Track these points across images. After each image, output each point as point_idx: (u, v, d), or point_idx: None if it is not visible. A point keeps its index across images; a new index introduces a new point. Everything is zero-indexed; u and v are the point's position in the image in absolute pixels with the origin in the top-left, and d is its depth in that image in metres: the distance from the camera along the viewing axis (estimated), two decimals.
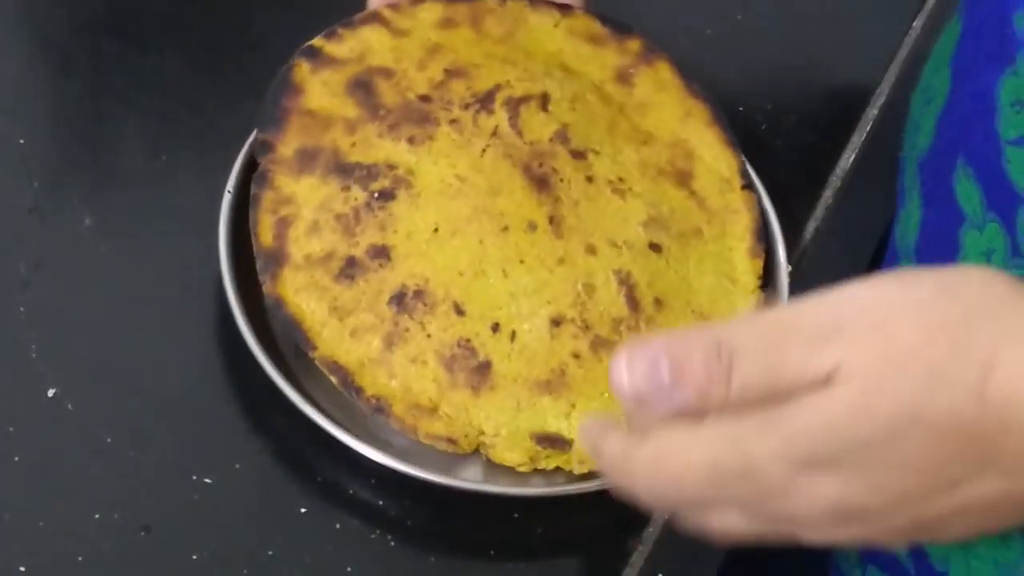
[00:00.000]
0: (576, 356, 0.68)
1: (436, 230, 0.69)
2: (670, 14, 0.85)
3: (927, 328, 0.49)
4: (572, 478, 0.67)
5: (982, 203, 0.60)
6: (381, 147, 0.71)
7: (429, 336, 0.67)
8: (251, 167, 0.71)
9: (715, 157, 0.75)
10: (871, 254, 0.87)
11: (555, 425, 0.67)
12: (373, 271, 0.68)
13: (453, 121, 0.72)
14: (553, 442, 0.67)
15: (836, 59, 0.84)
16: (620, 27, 0.78)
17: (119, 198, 0.75)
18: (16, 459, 0.66)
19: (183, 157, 0.75)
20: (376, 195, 0.70)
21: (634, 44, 0.78)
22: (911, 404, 0.48)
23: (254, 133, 0.72)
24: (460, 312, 0.68)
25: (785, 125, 0.83)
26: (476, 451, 0.67)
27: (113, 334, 0.70)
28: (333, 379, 0.66)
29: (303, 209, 0.69)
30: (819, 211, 0.80)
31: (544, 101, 0.73)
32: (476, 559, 0.67)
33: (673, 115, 0.76)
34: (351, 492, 0.67)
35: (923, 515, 0.51)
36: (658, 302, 0.70)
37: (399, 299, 0.68)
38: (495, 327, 0.68)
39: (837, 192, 0.81)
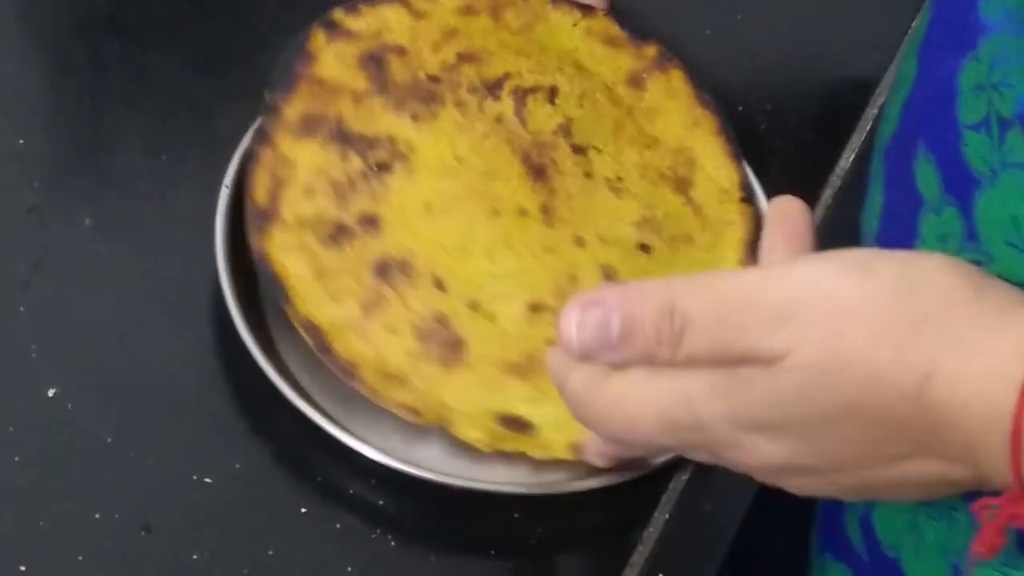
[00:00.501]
0: (551, 343, 0.67)
1: (428, 206, 0.70)
2: (670, 14, 0.85)
3: (875, 329, 0.51)
4: (572, 477, 0.67)
5: (940, 187, 0.61)
6: (384, 120, 0.72)
7: (407, 307, 0.68)
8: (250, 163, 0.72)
9: (717, 167, 0.76)
10: None
11: (521, 409, 0.67)
12: (360, 238, 0.70)
13: (459, 103, 0.73)
14: (517, 425, 0.67)
15: (836, 59, 0.84)
16: (639, 32, 0.79)
17: (119, 198, 0.75)
18: (16, 459, 0.65)
19: (183, 157, 0.75)
20: (373, 166, 0.71)
21: (651, 50, 0.79)
22: (849, 399, 0.51)
23: (256, 121, 0.72)
24: (441, 287, 0.69)
25: (785, 125, 0.83)
26: (439, 427, 0.67)
27: (113, 334, 0.70)
28: (307, 338, 0.67)
29: (300, 172, 0.71)
30: (819, 211, 0.80)
31: (552, 94, 0.74)
32: (476, 559, 0.67)
33: (681, 122, 0.77)
34: (351, 492, 0.67)
35: (867, 479, 0.54)
36: None
37: (382, 268, 0.69)
38: (473, 306, 0.69)
39: (837, 192, 0.81)
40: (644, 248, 0.72)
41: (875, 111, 0.83)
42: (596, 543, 0.69)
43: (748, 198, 0.76)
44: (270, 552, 0.65)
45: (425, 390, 0.67)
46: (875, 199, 0.68)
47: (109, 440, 0.67)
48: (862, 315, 0.51)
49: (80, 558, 0.63)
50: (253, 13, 0.82)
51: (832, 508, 0.71)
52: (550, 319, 0.69)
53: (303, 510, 0.66)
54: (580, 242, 0.71)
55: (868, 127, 0.83)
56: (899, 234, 0.64)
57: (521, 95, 0.74)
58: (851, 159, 0.82)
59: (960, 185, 0.59)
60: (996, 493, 0.52)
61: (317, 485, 0.67)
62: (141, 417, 0.67)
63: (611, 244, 0.71)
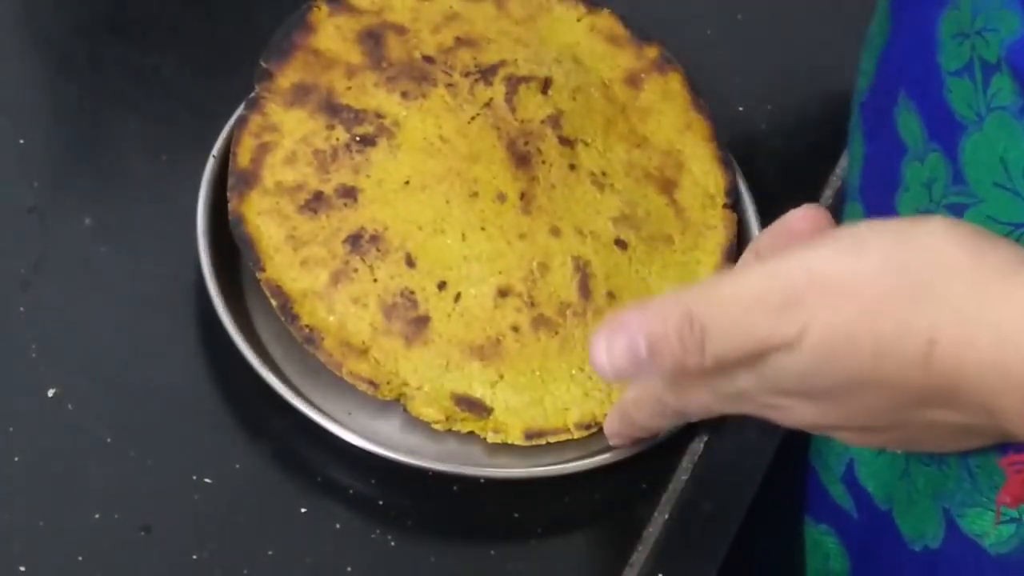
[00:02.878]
0: (515, 329, 0.69)
1: (407, 182, 0.71)
2: (671, 14, 0.85)
3: (872, 304, 0.53)
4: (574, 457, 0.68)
5: (923, 134, 0.62)
6: (374, 96, 0.73)
7: (375, 280, 0.69)
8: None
9: (705, 172, 0.76)
10: None
11: (479, 391, 0.68)
12: (337, 209, 0.70)
13: (450, 85, 0.73)
14: (472, 406, 0.68)
15: (836, 59, 0.84)
16: (642, 32, 0.79)
17: (119, 198, 0.75)
18: (16, 459, 0.66)
19: (183, 157, 0.75)
20: (358, 138, 0.72)
21: (652, 51, 0.79)
22: (862, 370, 0.54)
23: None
24: (411, 264, 0.69)
25: (785, 125, 0.83)
26: (397, 402, 0.68)
27: (113, 334, 0.70)
28: (273, 302, 0.68)
29: (285, 139, 0.72)
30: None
31: (545, 85, 0.74)
32: (476, 558, 0.67)
33: (673, 125, 0.77)
34: (351, 492, 0.67)
35: (901, 431, 0.57)
36: (611, 295, 0.71)
37: (355, 240, 0.70)
38: (441, 285, 0.69)
39: (837, 192, 0.81)
40: (620, 244, 0.72)
41: None
42: (596, 543, 0.69)
43: (733, 204, 0.76)
44: (270, 552, 0.65)
45: (386, 365, 0.68)
46: (856, 152, 0.69)
47: (109, 440, 0.67)
48: (858, 292, 0.53)
49: (80, 558, 0.64)
50: (253, 13, 0.82)
51: (813, 475, 0.72)
52: (517, 305, 0.69)
53: (303, 510, 0.66)
54: (556, 232, 0.71)
55: None
56: (882, 183, 0.66)
57: (514, 83, 0.74)
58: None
59: (945, 130, 0.60)
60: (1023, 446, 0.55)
61: (317, 485, 0.67)
62: (141, 417, 0.67)
63: (587, 237, 0.72)
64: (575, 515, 0.69)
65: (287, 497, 0.67)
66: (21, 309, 0.70)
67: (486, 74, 0.74)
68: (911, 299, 0.53)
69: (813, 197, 0.80)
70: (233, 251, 0.70)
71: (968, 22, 0.58)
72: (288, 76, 0.73)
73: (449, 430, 0.68)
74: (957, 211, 0.60)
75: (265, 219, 0.70)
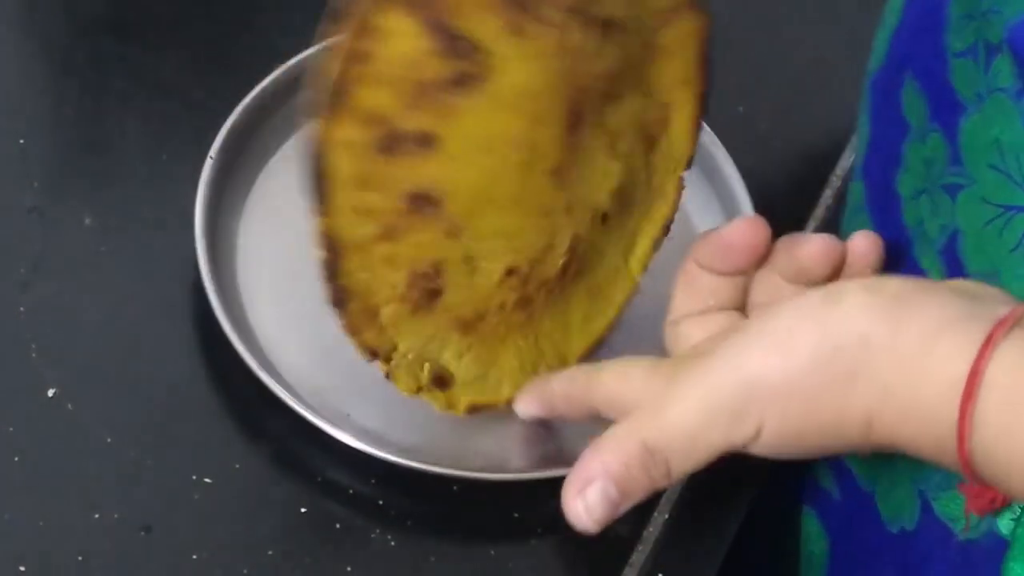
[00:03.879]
0: (501, 307, 0.66)
1: (486, 141, 0.61)
2: None
3: (810, 402, 0.56)
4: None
5: (926, 114, 0.62)
6: (482, 21, 0.59)
7: (417, 245, 0.63)
8: (238, 134, 0.72)
9: (680, 135, 0.69)
10: None
11: (451, 364, 0.67)
12: (408, 156, 0.60)
13: (553, 25, 0.60)
14: (440, 380, 0.67)
15: (837, 59, 0.84)
16: None
17: (119, 198, 0.75)
18: (16, 459, 0.66)
19: (183, 157, 0.75)
20: (456, 77, 0.59)
21: None
22: (813, 452, 0.58)
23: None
24: (452, 235, 0.63)
25: (785, 125, 0.83)
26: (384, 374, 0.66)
27: (113, 334, 0.70)
28: (320, 253, 0.62)
29: (383, 51, 0.59)
30: (819, 211, 0.80)
31: (607, 26, 0.63)
32: (476, 558, 0.67)
33: (676, 75, 0.68)
34: (351, 492, 0.67)
35: None
36: (577, 273, 0.68)
37: (416, 198, 0.61)
38: (467, 259, 0.64)
39: (837, 192, 0.81)
40: (604, 219, 0.68)
41: None
42: (596, 543, 0.69)
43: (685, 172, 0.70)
44: (270, 552, 0.65)
45: (388, 331, 0.65)
46: (862, 132, 0.69)
47: (109, 440, 0.67)
48: (795, 392, 0.56)
49: (80, 558, 0.64)
50: (254, 13, 0.82)
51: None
52: (514, 283, 0.65)
53: (303, 510, 0.66)
54: (569, 210, 0.65)
55: None
56: (884, 163, 0.66)
57: (591, 25, 0.62)
58: (851, 159, 0.82)
59: (946, 111, 0.61)
60: None
61: (317, 485, 0.67)
62: (141, 417, 0.67)
63: (587, 213, 0.66)
64: None
65: (287, 497, 0.67)
66: (21, 309, 0.70)
67: (580, 14, 0.61)
68: (844, 387, 0.55)
69: (813, 197, 0.80)
70: (231, 251, 0.70)
71: (977, 2, 0.58)
72: None
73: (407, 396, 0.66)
74: (952, 191, 0.60)
75: (339, 152, 0.60)
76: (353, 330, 0.64)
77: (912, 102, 0.64)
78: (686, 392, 0.58)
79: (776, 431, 0.56)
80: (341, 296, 0.63)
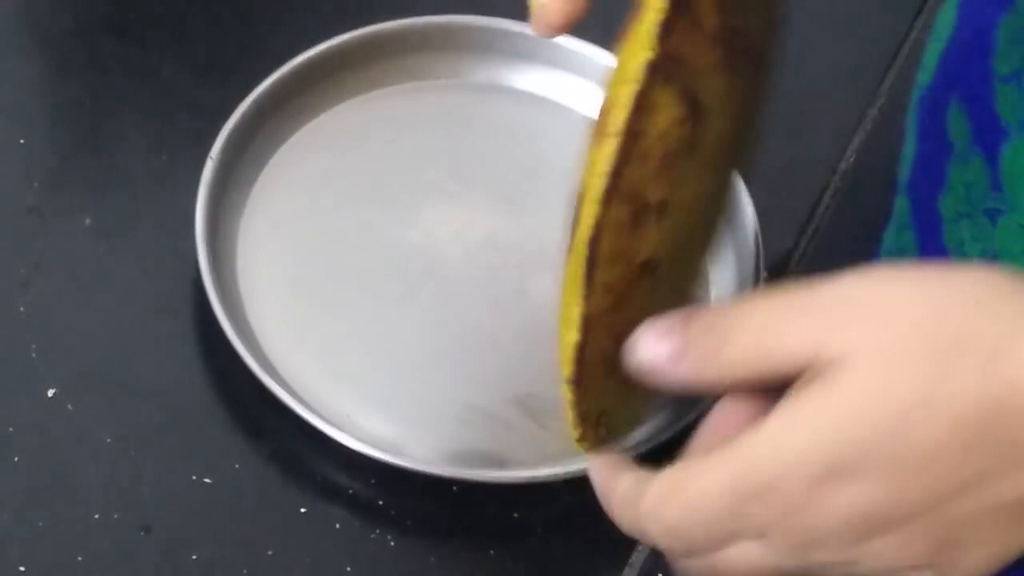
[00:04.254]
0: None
1: (694, 198, 0.58)
2: None
3: (935, 313, 0.48)
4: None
5: (970, 137, 0.61)
6: (714, 83, 0.55)
7: (634, 311, 0.57)
8: (239, 135, 0.72)
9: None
10: (871, 255, 0.87)
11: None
12: (648, 226, 0.56)
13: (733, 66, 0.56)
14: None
15: (836, 59, 0.84)
16: None
17: (119, 198, 0.75)
18: (16, 459, 0.66)
19: (183, 157, 0.75)
20: (692, 141, 0.55)
21: None
22: (922, 388, 0.47)
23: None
24: (657, 292, 0.58)
25: (785, 125, 0.83)
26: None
27: (113, 334, 0.70)
28: (577, 336, 0.56)
29: (652, 125, 0.54)
30: (819, 211, 0.80)
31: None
32: (476, 558, 0.67)
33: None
34: (351, 492, 0.67)
35: (951, 519, 0.49)
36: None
37: (646, 265, 0.57)
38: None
39: (837, 193, 0.81)
40: None
41: (875, 111, 0.83)
42: (596, 543, 0.69)
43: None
44: (270, 552, 0.65)
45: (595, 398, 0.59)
46: (909, 149, 0.68)
47: (109, 440, 0.67)
48: (917, 301, 0.48)
49: (80, 558, 0.64)
50: (254, 13, 0.82)
51: None
52: None
53: (303, 510, 0.66)
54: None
55: (868, 128, 0.83)
56: (928, 183, 0.65)
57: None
58: (851, 159, 0.82)
59: (988, 135, 0.59)
60: None
61: (317, 485, 0.67)
62: (141, 417, 0.67)
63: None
64: (575, 515, 0.69)
65: (287, 497, 0.67)
66: (21, 309, 0.70)
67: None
68: (974, 311, 0.48)
69: (813, 197, 0.80)
70: (232, 251, 0.70)
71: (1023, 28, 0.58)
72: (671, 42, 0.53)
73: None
74: (993, 216, 0.59)
75: (608, 233, 0.55)
76: (579, 403, 0.58)
77: (957, 124, 0.62)
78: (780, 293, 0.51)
79: (877, 349, 0.48)
80: (581, 374, 0.57)
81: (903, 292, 0.49)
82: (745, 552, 0.51)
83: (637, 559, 0.68)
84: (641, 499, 0.53)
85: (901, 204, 0.70)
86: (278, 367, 0.69)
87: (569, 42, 0.80)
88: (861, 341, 0.48)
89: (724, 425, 0.53)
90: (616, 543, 0.68)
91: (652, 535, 0.53)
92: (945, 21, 0.67)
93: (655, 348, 0.53)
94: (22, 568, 0.63)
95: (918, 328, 0.48)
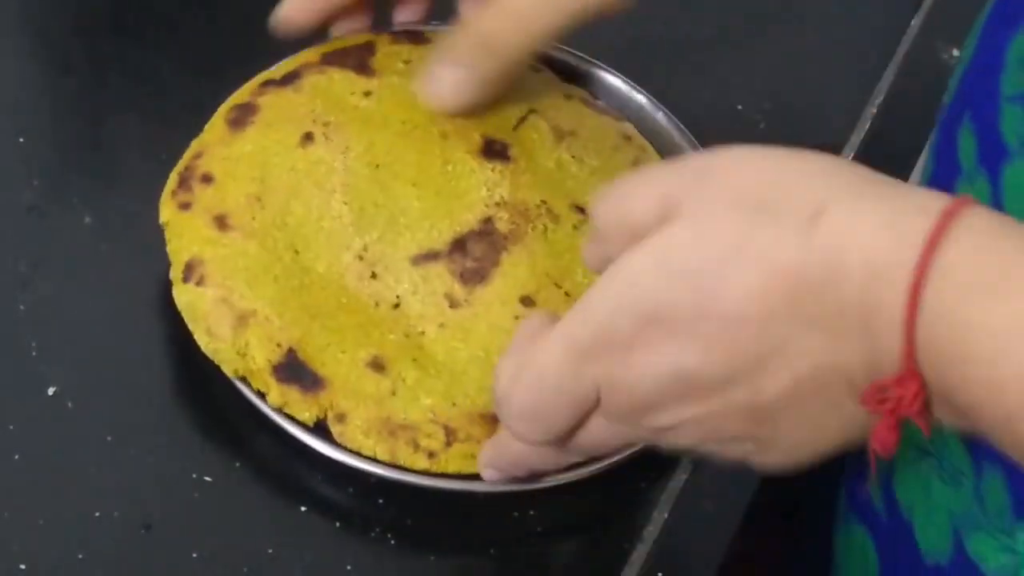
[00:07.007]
0: None
1: None
2: (671, 14, 0.85)
3: (765, 173, 0.51)
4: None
5: (975, 157, 0.62)
6: None
7: None
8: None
9: None
10: None
11: None
12: None
13: None
14: None
15: (835, 59, 0.84)
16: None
17: (119, 198, 0.75)
18: (16, 457, 0.65)
19: (183, 157, 0.75)
20: None
21: None
22: (736, 234, 0.50)
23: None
24: None
25: (784, 125, 0.83)
26: None
27: (113, 333, 0.70)
28: None
29: None
30: None
31: None
32: (476, 557, 0.67)
33: None
34: (351, 492, 0.67)
35: (759, 395, 0.51)
36: None
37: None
38: None
39: None
40: None
41: (874, 111, 0.83)
42: (596, 542, 0.69)
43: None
44: (270, 551, 0.65)
45: None
46: (927, 167, 0.69)
47: (109, 438, 0.67)
48: (753, 164, 0.52)
49: (80, 556, 0.63)
50: (254, 13, 0.82)
51: (858, 470, 0.71)
52: None
53: (303, 509, 0.66)
54: None
55: (868, 127, 0.83)
56: None
57: None
58: (851, 159, 0.82)
59: (992, 156, 0.60)
60: None
61: (317, 484, 0.67)
62: (141, 415, 0.67)
63: None
64: (575, 515, 0.69)
65: (287, 496, 0.67)
66: (21, 307, 0.70)
67: None
68: (802, 174, 0.51)
69: None
70: None
71: None
72: None
73: None
74: None
75: None
76: None
77: (966, 144, 0.63)
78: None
79: (703, 200, 0.51)
80: None
81: (744, 163, 0.52)
82: (594, 427, 0.56)
83: (637, 559, 0.68)
84: (504, 387, 0.57)
85: None
86: None
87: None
88: (697, 195, 0.51)
89: None
90: (616, 543, 0.68)
91: (512, 425, 0.57)
92: (968, 46, 0.67)
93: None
94: (23, 566, 0.63)
95: (744, 188, 0.51)
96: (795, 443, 0.53)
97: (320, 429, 0.66)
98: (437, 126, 0.70)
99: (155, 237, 0.72)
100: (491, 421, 0.64)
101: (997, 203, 0.59)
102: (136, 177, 0.75)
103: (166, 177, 0.74)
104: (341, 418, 0.65)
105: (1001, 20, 0.62)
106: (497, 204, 0.69)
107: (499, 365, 0.59)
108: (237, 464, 0.67)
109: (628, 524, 0.68)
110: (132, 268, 0.72)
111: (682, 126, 0.77)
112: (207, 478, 0.66)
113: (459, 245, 0.68)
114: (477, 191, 0.69)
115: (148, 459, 0.66)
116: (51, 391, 0.67)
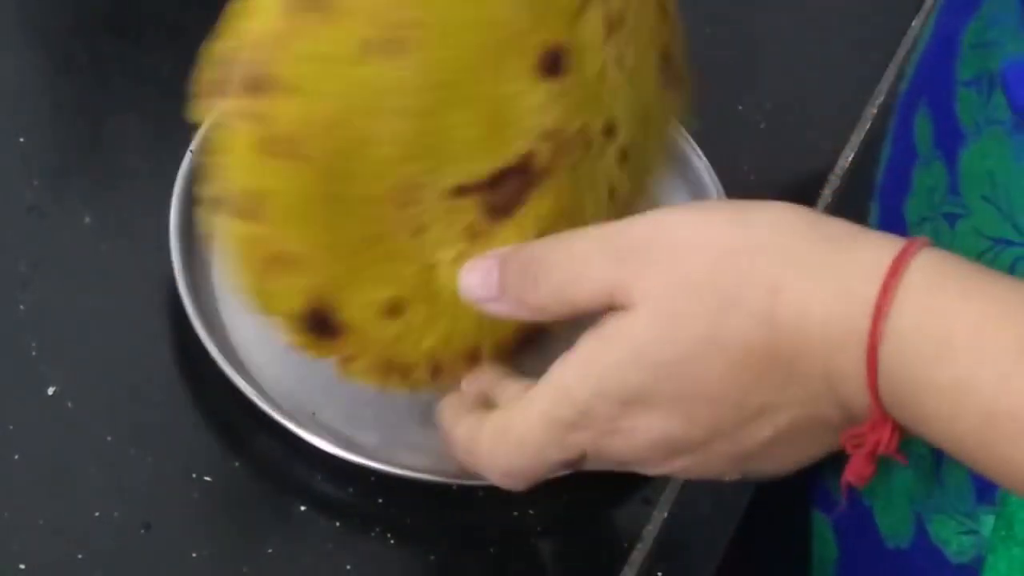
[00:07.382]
0: None
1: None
2: None
3: (716, 256, 0.53)
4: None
5: (931, 141, 0.63)
6: None
7: None
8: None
9: None
10: None
11: None
12: None
13: None
14: None
15: (836, 59, 0.85)
16: None
17: (119, 198, 0.75)
18: (16, 457, 0.66)
19: (182, 157, 0.75)
20: None
21: None
22: (705, 327, 0.52)
23: None
24: None
25: (785, 125, 0.83)
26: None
27: (113, 332, 0.70)
28: None
29: None
30: (819, 211, 0.80)
31: None
32: (476, 557, 0.67)
33: None
34: (350, 491, 0.67)
35: (743, 444, 0.55)
36: None
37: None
38: None
39: (837, 192, 0.81)
40: None
41: (874, 110, 0.83)
42: (596, 542, 0.69)
43: None
44: (270, 551, 0.65)
45: None
46: (885, 153, 0.69)
47: (109, 438, 0.67)
48: (702, 245, 0.53)
49: (80, 556, 0.63)
50: None
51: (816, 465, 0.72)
52: None
53: (303, 509, 0.66)
54: None
55: (868, 127, 0.83)
56: (896, 187, 0.66)
57: None
58: (851, 159, 0.82)
59: (948, 139, 0.61)
60: None
61: (317, 484, 0.67)
62: (141, 415, 0.67)
63: None
64: (575, 515, 0.69)
65: (287, 496, 0.67)
66: (21, 307, 0.70)
67: None
68: (753, 254, 0.52)
69: (813, 197, 0.80)
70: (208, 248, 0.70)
71: (984, 33, 0.59)
72: None
73: None
74: (951, 221, 0.60)
75: None
76: None
77: (922, 128, 0.64)
78: (590, 228, 0.57)
79: (668, 287, 0.53)
80: None
81: (693, 236, 0.53)
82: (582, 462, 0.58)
83: (636, 558, 0.68)
84: (475, 444, 0.59)
85: (872, 209, 0.70)
86: (258, 380, 0.68)
87: None
88: (650, 285, 0.53)
89: None
90: (616, 543, 0.68)
91: (493, 479, 0.59)
92: (925, 32, 0.68)
93: (477, 287, 0.59)
94: (22, 566, 0.63)
95: (695, 276, 0.53)
96: (779, 466, 0.57)
97: (320, 427, 0.66)
98: (493, 33, 0.62)
99: (155, 237, 0.73)
100: (474, 359, 0.65)
101: (953, 186, 0.60)
102: (136, 177, 0.75)
103: (166, 177, 0.74)
104: (349, 359, 0.64)
105: (955, 7, 0.63)
106: (540, 136, 0.65)
107: (444, 406, 0.62)
108: (237, 464, 0.67)
109: (628, 524, 0.68)
110: (132, 268, 0.72)
111: (682, 127, 0.77)
112: (207, 478, 0.66)
113: (496, 180, 0.64)
114: (527, 119, 0.63)
115: (148, 459, 0.66)
116: (51, 391, 0.67)
